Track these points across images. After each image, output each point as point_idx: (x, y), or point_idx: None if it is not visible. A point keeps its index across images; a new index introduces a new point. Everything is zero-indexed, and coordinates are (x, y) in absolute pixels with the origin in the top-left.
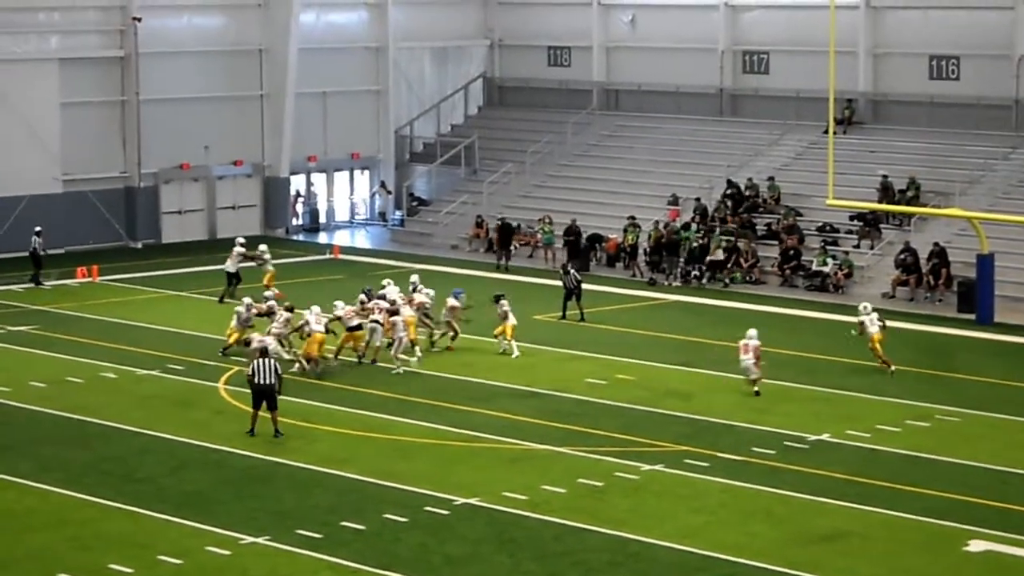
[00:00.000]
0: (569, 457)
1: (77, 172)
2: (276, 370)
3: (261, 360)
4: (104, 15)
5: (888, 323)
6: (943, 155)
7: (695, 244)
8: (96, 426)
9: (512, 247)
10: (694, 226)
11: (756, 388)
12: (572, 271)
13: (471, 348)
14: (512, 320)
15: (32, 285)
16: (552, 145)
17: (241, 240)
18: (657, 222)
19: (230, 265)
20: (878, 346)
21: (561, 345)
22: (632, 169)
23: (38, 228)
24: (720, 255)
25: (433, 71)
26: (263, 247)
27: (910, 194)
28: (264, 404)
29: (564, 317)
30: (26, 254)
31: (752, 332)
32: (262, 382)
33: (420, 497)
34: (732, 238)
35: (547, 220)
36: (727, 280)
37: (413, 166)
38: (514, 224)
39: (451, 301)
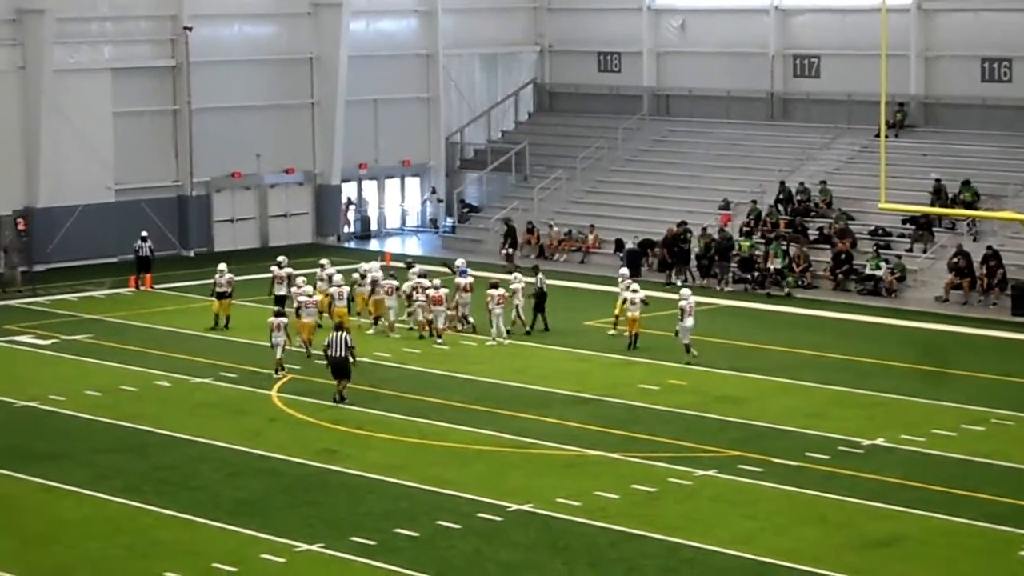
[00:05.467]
0: (622, 463)
1: (130, 181)
2: (347, 343)
3: (336, 334)
4: (156, 25)
5: (942, 327)
6: (996, 157)
7: (752, 252)
8: (151, 434)
9: (516, 247)
10: (744, 233)
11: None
12: (540, 275)
13: (524, 355)
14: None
15: (134, 290)
16: (603, 151)
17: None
18: (705, 228)
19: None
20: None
21: (613, 351)
22: (683, 174)
23: (144, 233)
24: (778, 263)
25: (483, 78)
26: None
27: (964, 197)
28: (340, 374)
29: (532, 329)
30: (80, 263)
31: (687, 291)
32: (335, 354)
33: (474, 504)
34: (787, 244)
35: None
36: (788, 290)
37: (464, 173)
38: (514, 225)
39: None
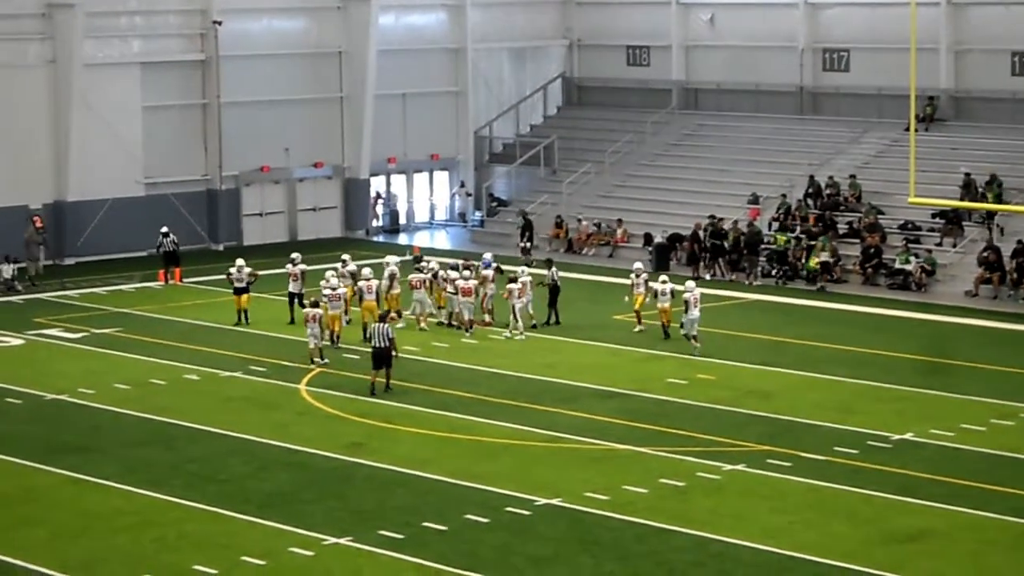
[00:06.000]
0: (651, 457)
1: (159, 175)
2: (388, 334)
3: (378, 325)
4: (185, 19)
5: (971, 321)
6: None
7: (787, 246)
8: (180, 428)
9: (533, 241)
10: (781, 227)
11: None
12: (553, 268)
13: (553, 349)
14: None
15: (163, 284)
16: (632, 145)
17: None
18: (736, 221)
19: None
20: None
21: (641, 345)
22: (712, 168)
23: (165, 228)
24: (826, 256)
25: (512, 71)
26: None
27: (988, 194)
28: (382, 365)
29: (549, 322)
30: (109, 257)
31: (692, 283)
32: (378, 345)
33: (502, 498)
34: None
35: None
36: (822, 284)
37: (492, 167)
38: (532, 218)
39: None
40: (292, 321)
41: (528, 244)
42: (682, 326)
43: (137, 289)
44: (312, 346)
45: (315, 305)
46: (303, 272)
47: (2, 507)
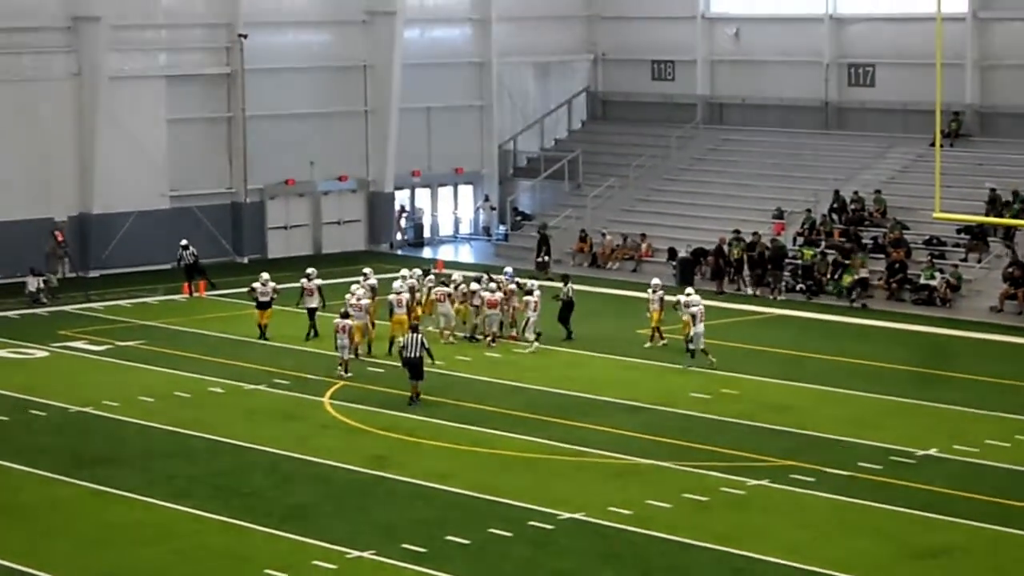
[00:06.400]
0: (674, 472)
1: (184, 188)
2: (423, 344)
3: (412, 335)
4: (210, 32)
5: (996, 337)
6: None
7: (813, 261)
8: (203, 440)
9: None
10: (808, 242)
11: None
12: (569, 284)
13: (576, 363)
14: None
15: (189, 296)
16: (656, 159)
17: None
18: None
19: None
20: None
21: (664, 359)
22: (737, 183)
23: (184, 241)
24: (865, 273)
25: (537, 86)
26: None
27: (1007, 212)
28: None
29: (570, 336)
30: (134, 269)
31: (697, 298)
32: (411, 355)
33: (525, 512)
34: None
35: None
36: (864, 302)
37: (517, 181)
38: (549, 233)
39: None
40: (316, 335)
41: (545, 258)
42: (691, 341)
43: (161, 301)
44: (344, 356)
45: (345, 316)
46: (319, 287)
47: (26, 518)
